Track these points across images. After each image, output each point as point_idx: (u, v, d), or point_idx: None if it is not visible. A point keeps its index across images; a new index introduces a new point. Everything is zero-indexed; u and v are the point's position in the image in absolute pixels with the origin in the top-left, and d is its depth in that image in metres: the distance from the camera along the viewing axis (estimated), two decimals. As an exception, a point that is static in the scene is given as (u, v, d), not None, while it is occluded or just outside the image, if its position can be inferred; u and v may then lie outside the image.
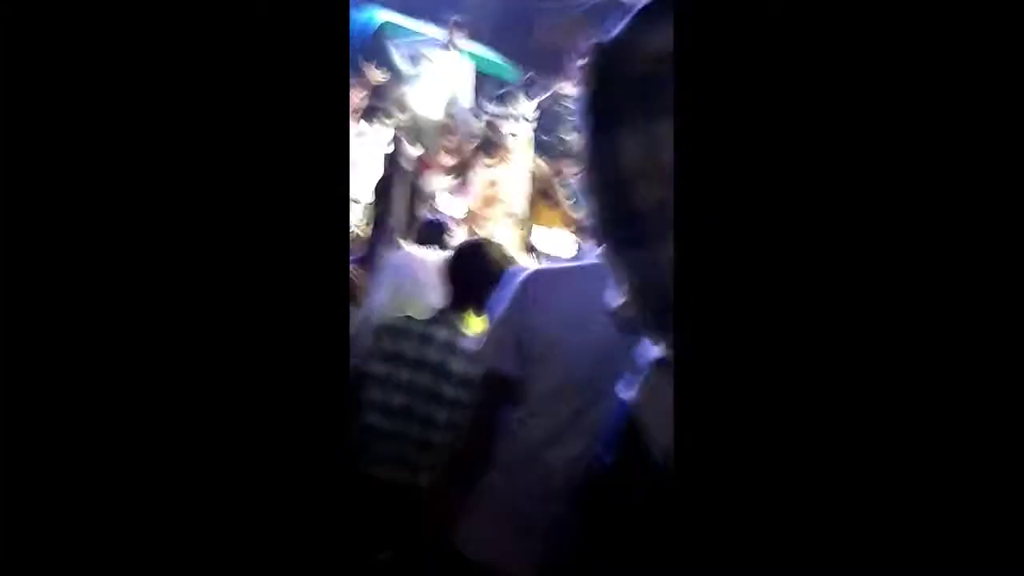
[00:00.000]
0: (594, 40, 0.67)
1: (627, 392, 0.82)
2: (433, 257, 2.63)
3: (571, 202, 5.92)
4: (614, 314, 0.73)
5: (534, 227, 4.41)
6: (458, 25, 6.64)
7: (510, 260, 2.27)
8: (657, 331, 0.74)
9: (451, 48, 6.64)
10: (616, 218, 0.66)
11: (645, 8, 0.65)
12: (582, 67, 0.67)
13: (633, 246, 0.66)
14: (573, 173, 6.30)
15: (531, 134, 5.90)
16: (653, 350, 0.80)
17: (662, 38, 0.62)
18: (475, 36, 6.94)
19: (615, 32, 0.66)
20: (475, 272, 1.99)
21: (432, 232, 3.41)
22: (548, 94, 6.94)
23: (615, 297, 0.74)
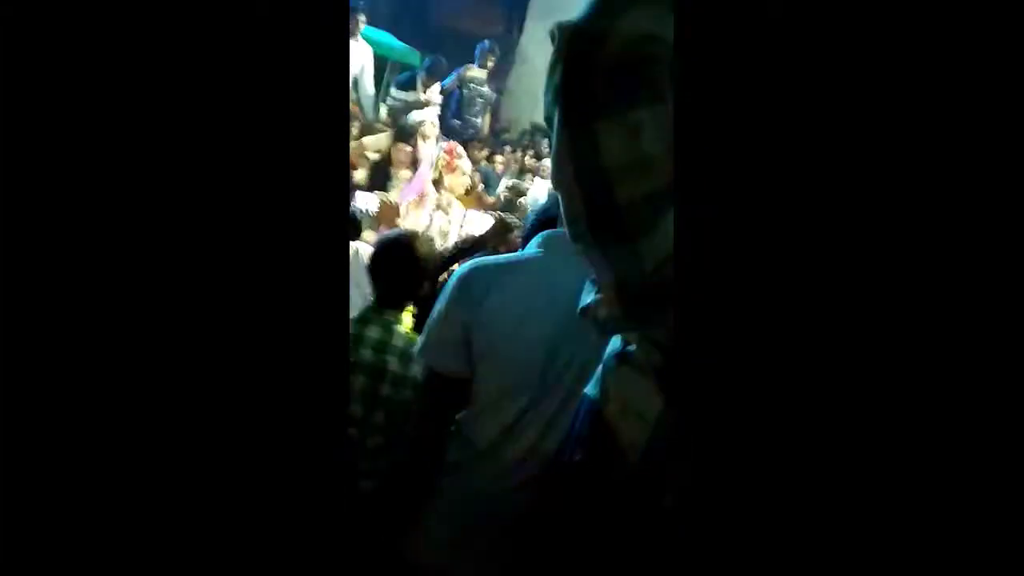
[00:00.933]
0: (562, 22, 0.62)
1: (592, 388, 0.80)
2: (362, 251, 2.54)
3: (482, 187, 5.91)
4: (585, 312, 0.70)
5: (460, 213, 4.36)
6: (355, 10, 6.52)
7: (439, 252, 2.22)
8: (635, 328, 0.72)
9: (349, 34, 6.51)
10: (594, 214, 0.62)
11: None
12: (555, 52, 0.62)
13: (612, 242, 0.62)
14: (483, 157, 6.27)
15: (436, 119, 5.83)
16: (615, 345, 0.78)
17: (638, 20, 0.58)
18: (373, 21, 6.82)
19: (585, 15, 0.61)
20: (404, 266, 1.92)
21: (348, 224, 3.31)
22: (452, 78, 6.89)
23: (586, 295, 0.70)
